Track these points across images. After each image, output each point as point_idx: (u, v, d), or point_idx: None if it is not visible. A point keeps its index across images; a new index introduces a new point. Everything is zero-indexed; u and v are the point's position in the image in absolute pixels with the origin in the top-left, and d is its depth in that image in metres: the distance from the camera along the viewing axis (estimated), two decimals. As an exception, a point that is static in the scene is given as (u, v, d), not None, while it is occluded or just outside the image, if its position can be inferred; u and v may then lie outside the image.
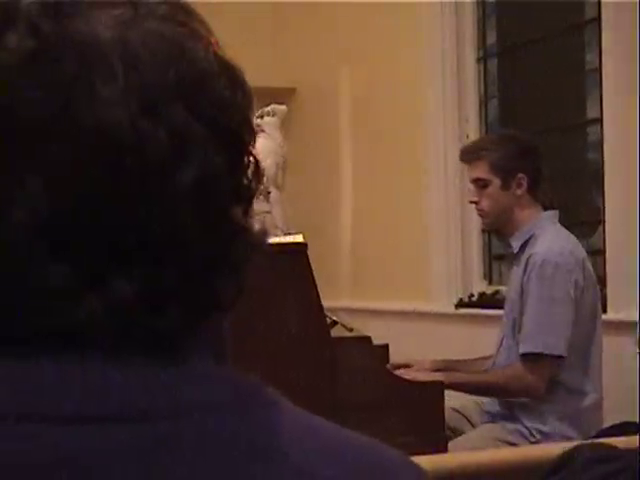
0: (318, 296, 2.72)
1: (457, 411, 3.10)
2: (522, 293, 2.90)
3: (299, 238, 2.82)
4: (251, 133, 0.63)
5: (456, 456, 2.24)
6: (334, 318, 3.06)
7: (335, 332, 2.97)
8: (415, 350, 3.65)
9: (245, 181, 0.63)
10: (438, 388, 2.83)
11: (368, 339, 2.93)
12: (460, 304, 4.40)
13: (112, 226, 0.56)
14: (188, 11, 0.63)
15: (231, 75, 0.63)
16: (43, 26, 0.57)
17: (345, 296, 4.98)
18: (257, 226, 0.64)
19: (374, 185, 4.99)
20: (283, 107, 3.51)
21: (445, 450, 2.71)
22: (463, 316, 4.36)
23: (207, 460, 0.56)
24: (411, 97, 4.69)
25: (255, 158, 0.63)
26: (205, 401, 0.58)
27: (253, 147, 0.63)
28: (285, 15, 5.58)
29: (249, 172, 0.63)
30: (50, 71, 0.56)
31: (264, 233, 0.65)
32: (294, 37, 5.56)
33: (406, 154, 4.74)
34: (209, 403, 0.58)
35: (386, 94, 4.86)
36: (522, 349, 2.85)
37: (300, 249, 2.74)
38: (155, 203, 0.57)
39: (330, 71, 5.29)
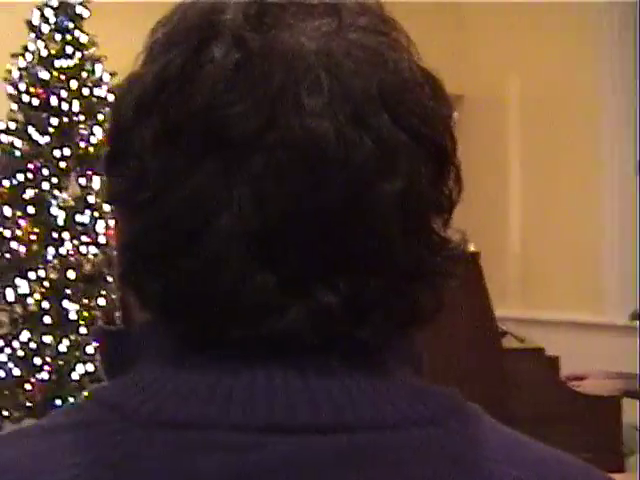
0: (490, 306, 2.69)
1: (633, 428, 2.99)
2: None
3: (471, 247, 2.79)
4: (453, 143, 0.62)
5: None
6: (504, 328, 3.01)
7: (505, 343, 2.92)
8: (586, 363, 3.54)
9: (446, 191, 0.62)
10: (615, 402, 2.73)
11: (541, 350, 2.87)
12: (635, 316, 4.25)
13: (317, 236, 0.56)
14: (388, 21, 0.63)
15: (433, 85, 0.62)
16: (248, 38, 0.58)
17: (513, 305, 4.89)
18: (457, 236, 0.63)
19: (544, 192, 4.89)
20: (454, 114, 3.48)
21: (622, 469, 2.62)
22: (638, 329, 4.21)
23: (410, 473, 0.55)
24: (584, 103, 4.57)
25: (456, 168, 0.62)
26: (409, 414, 0.57)
27: (455, 156, 0.62)
28: (454, 21, 5.54)
29: (450, 182, 0.62)
30: (256, 83, 0.57)
31: (464, 244, 0.63)
32: (463, 43, 5.51)
33: (578, 161, 4.62)
34: (413, 416, 0.57)
35: (557, 100, 4.75)
36: None
37: (473, 258, 2.70)
38: (361, 213, 0.56)
39: (499, 77, 5.22)
